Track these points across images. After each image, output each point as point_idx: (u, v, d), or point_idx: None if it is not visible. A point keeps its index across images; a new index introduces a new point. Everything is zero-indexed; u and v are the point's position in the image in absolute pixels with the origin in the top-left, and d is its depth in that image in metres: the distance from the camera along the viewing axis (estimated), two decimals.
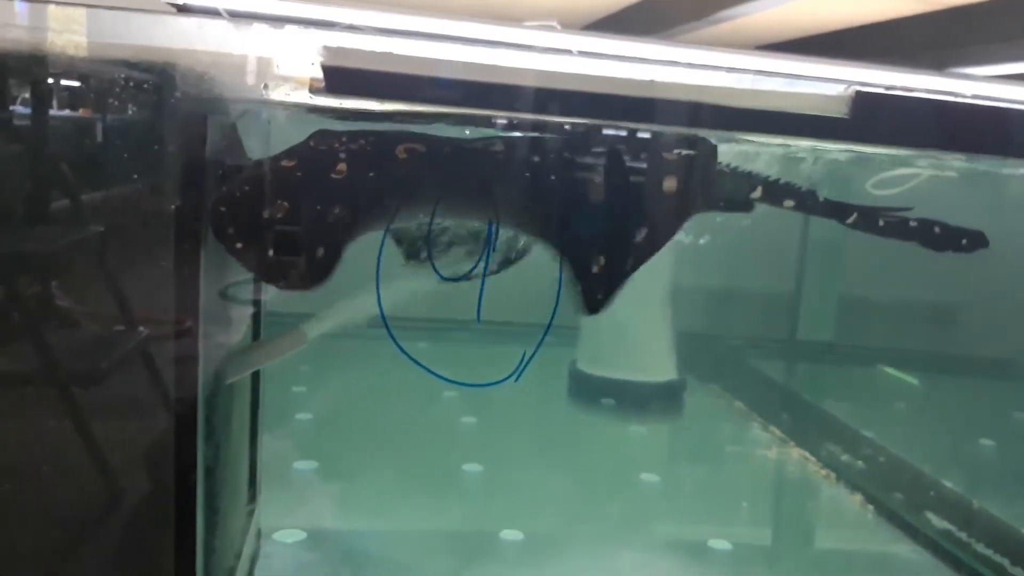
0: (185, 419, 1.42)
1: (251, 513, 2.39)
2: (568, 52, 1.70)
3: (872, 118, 1.56)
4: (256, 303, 2.28)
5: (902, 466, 2.98)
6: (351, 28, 1.52)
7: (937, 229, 1.80)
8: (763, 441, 3.43)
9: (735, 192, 1.77)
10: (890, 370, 4.66)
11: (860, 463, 3.04)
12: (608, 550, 2.54)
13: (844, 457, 3.11)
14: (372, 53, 1.42)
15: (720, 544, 2.56)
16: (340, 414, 3.45)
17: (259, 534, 2.43)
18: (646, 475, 3.08)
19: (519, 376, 1.72)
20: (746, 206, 1.79)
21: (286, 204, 1.46)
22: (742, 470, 3.21)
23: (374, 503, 2.73)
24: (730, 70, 1.85)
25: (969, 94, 3.44)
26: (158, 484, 1.44)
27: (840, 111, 1.56)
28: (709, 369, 4.23)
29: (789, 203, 1.82)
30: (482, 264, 1.61)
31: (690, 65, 1.65)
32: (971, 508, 2.63)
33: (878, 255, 3.22)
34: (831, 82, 1.73)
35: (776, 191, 1.81)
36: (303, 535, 2.49)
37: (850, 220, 1.84)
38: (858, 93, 1.56)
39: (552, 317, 1.69)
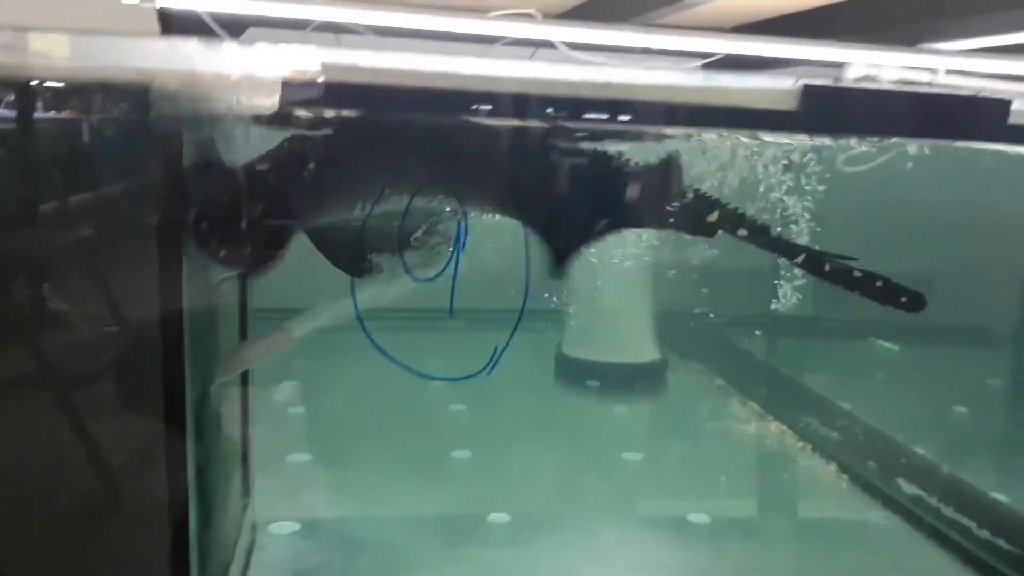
0: (174, 419, 1.50)
1: (246, 507, 2.47)
2: (548, 44, 1.76)
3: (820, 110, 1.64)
4: (243, 302, 2.36)
5: (876, 436, 3.08)
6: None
7: (879, 283, 1.85)
8: (742, 416, 3.53)
9: (695, 214, 1.84)
10: (880, 342, 4.76)
11: (835, 434, 3.14)
12: (591, 528, 2.63)
13: (820, 429, 3.21)
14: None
15: (699, 518, 2.66)
16: (328, 406, 3.53)
17: (254, 527, 2.52)
18: (628, 454, 3.18)
19: (491, 369, 1.80)
20: (706, 230, 1.85)
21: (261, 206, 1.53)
22: (721, 445, 3.31)
23: (366, 492, 2.82)
24: (705, 55, 1.92)
25: (943, 69, 3.52)
26: (151, 483, 1.52)
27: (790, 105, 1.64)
28: (690, 347, 4.32)
29: (742, 232, 1.88)
30: (452, 260, 1.69)
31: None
32: (940, 474, 2.74)
33: (854, 228, 3.32)
34: (806, 63, 1.81)
35: (733, 219, 1.87)
36: (297, 526, 2.58)
37: (797, 260, 1.90)
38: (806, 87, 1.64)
39: (522, 308, 1.77)
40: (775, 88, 1.65)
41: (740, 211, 1.91)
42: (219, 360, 1.99)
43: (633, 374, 3.93)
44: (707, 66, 4.18)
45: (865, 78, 3.76)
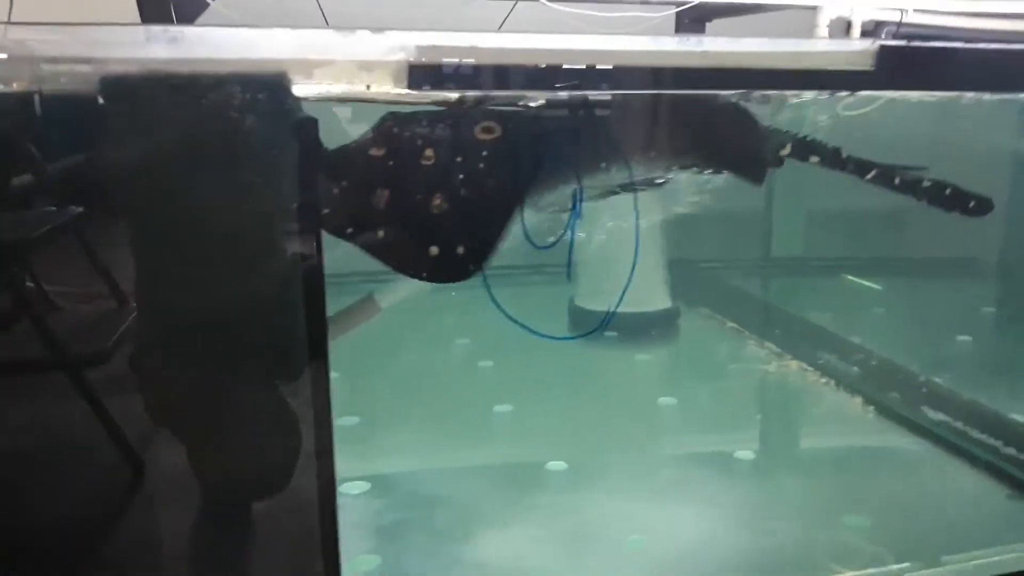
0: (321, 402, 1.59)
1: None
2: None
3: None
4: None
5: (893, 368, 3.27)
6: None
7: (947, 191, 1.99)
8: (761, 357, 3.70)
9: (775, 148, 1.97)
10: (857, 279, 4.98)
11: (855, 369, 3.32)
12: (646, 470, 2.78)
13: (840, 365, 3.39)
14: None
15: (745, 454, 2.83)
16: (363, 369, 3.60)
17: None
18: (664, 398, 3.33)
19: (604, 328, 1.90)
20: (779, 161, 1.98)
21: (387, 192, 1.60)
22: (749, 386, 3.48)
23: (423, 450, 2.92)
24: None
25: (911, 8, 3.64)
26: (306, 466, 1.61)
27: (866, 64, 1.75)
28: (696, 293, 4.47)
29: (815, 159, 2.01)
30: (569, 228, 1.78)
31: None
32: (961, 400, 2.94)
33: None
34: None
35: (804, 148, 2.00)
36: (367, 485, 2.67)
37: (869, 176, 2.03)
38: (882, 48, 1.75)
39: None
40: (850, 50, 1.76)
41: (809, 139, 2.05)
42: None
43: (649, 322, 4.07)
44: (679, 14, 4.26)
45: (836, 20, 3.88)
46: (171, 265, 1.48)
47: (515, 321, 1.98)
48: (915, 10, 3.64)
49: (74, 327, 1.59)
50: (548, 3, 3.29)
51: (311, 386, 1.61)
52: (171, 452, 1.59)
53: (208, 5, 3.16)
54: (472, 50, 1.53)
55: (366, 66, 1.49)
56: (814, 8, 3.43)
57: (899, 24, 3.55)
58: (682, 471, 2.77)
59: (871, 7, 3.51)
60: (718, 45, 1.67)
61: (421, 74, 1.49)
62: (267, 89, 1.44)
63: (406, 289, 2.12)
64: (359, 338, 3.85)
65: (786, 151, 1.98)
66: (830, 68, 1.74)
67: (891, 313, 4.23)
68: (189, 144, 1.43)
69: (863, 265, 5.03)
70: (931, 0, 3.52)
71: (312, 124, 1.48)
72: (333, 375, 3.55)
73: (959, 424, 2.81)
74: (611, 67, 1.60)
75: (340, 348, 3.81)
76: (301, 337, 1.54)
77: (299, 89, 1.46)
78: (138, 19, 2.58)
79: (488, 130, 1.66)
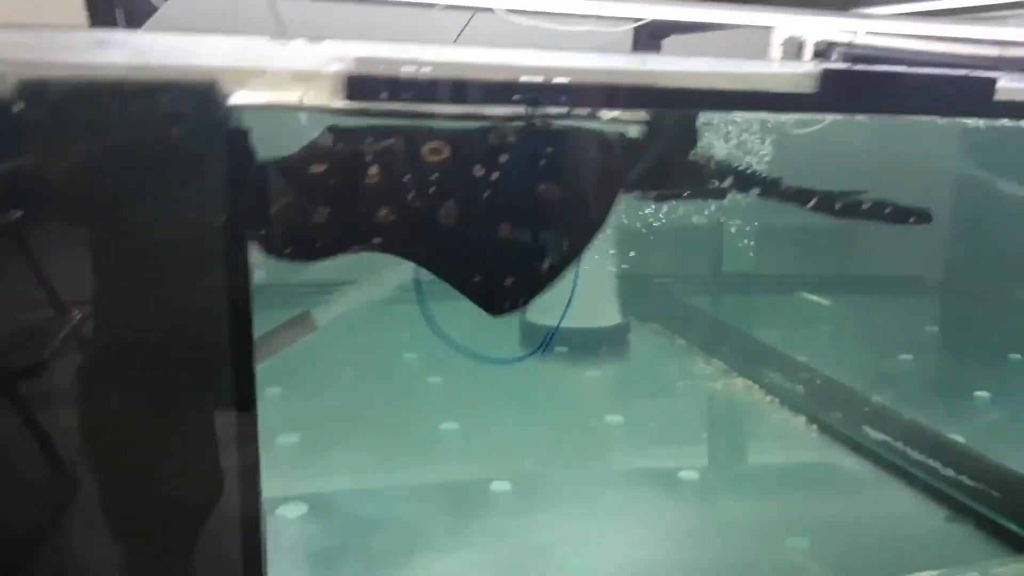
0: (246, 423, 1.52)
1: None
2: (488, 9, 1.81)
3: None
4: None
5: (836, 387, 3.30)
6: None
7: (888, 209, 2.02)
8: (708, 374, 3.71)
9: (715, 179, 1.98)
10: (807, 295, 5.04)
11: (799, 387, 3.34)
12: (590, 490, 2.75)
13: (784, 383, 3.41)
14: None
15: (689, 474, 2.81)
16: (306, 384, 3.52)
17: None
18: (610, 416, 3.30)
19: (545, 349, 1.87)
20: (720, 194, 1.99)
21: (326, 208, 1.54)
22: (695, 403, 3.48)
23: (365, 470, 2.85)
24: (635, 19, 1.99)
25: (862, 31, 3.70)
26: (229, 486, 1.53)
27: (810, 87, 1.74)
28: (647, 309, 4.47)
29: (755, 190, 2.02)
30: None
31: None
32: (902, 419, 2.97)
33: (801, 180, 3.50)
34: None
35: (745, 180, 2.02)
36: (304, 507, 2.60)
37: (810, 204, 2.04)
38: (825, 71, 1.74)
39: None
40: (795, 72, 1.75)
41: (749, 171, 2.04)
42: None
43: (598, 338, 4.06)
44: (638, 29, 4.26)
45: (789, 40, 3.93)
46: (87, 278, 1.40)
47: (453, 344, 1.93)
48: (867, 32, 3.71)
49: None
50: (508, 16, 3.26)
51: (235, 408, 1.54)
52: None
53: (156, 9, 3.08)
54: (414, 62, 1.48)
55: (301, 76, 1.44)
56: (768, 28, 3.46)
57: (849, 45, 3.61)
58: (626, 491, 2.75)
59: (823, 29, 3.57)
60: (664, 64, 1.65)
61: (359, 85, 1.45)
62: (194, 98, 1.38)
63: (344, 305, 2.06)
64: (303, 352, 3.78)
65: (727, 183, 1.98)
66: (774, 90, 1.73)
67: (838, 330, 4.28)
68: (106, 154, 1.36)
69: (812, 282, 5.10)
70: (881, 23, 3.59)
71: (243, 136, 1.42)
72: (274, 390, 3.50)
73: (900, 444, 2.84)
74: (554, 83, 1.57)
75: (282, 362, 3.73)
76: (224, 356, 1.48)
77: (230, 99, 1.41)
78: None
79: (436, 151, 1.62)
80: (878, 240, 4.93)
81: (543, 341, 1.97)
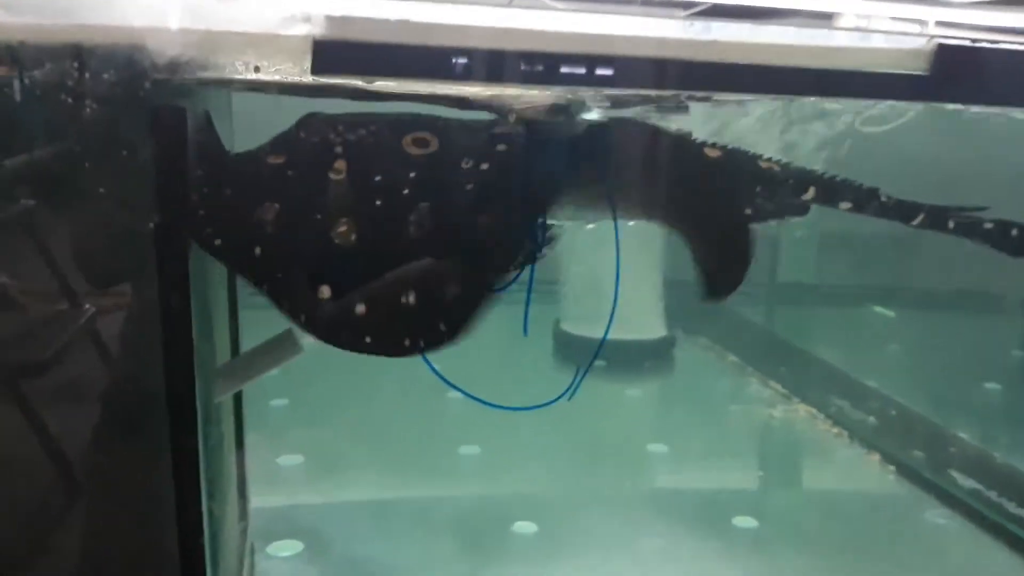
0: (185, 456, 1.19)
1: (244, 531, 2.16)
2: None
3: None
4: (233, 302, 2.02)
5: (915, 419, 2.88)
6: None
7: (1015, 232, 1.59)
8: (765, 398, 3.31)
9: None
10: (875, 308, 4.58)
11: (872, 419, 2.93)
12: (628, 538, 2.38)
13: (853, 413, 3.00)
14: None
15: (745, 522, 2.43)
16: (314, 397, 3.20)
17: (252, 550, 2.21)
18: (653, 445, 2.93)
19: (572, 394, 1.53)
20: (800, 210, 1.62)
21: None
22: (750, 435, 3.08)
23: (371, 501, 2.53)
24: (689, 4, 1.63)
25: (933, 20, 3.22)
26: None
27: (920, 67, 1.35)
28: (694, 320, 4.07)
29: (845, 205, 1.64)
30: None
31: None
32: (995, 463, 2.54)
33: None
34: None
35: (832, 191, 1.63)
36: (300, 545, 2.28)
37: (915, 222, 1.64)
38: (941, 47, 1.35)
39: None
40: (900, 48, 1.37)
41: (839, 180, 1.66)
42: (220, 374, 1.67)
43: (641, 352, 3.68)
44: (693, 16, 3.85)
45: (856, 28, 3.45)
46: None
47: (460, 390, 1.60)
48: (937, 23, 3.26)
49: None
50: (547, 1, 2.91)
51: (172, 448, 1.20)
52: None
53: None
54: (404, 25, 1.13)
55: (253, 41, 1.10)
56: (829, 16, 3.05)
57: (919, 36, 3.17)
58: (671, 539, 2.37)
59: (891, 17, 3.13)
60: (731, 33, 1.28)
61: (329, 53, 1.10)
62: (111, 67, 1.05)
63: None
64: (313, 359, 3.48)
65: (809, 195, 1.59)
66: (873, 69, 1.35)
67: (908, 351, 3.82)
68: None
69: (876, 294, 4.64)
70: (962, 12, 3.14)
71: (176, 115, 1.09)
72: (280, 402, 3.19)
73: (993, 495, 2.42)
74: (585, 55, 1.21)
75: (290, 370, 3.43)
76: (155, 385, 1.15)
77: (160, 69, 1.07)
78: None
79: (421, 142, 1.28)
80: (952, 250, 4.46)
81: (572, 381, 1.61)
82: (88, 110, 1.06)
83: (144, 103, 1.07)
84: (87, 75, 1.05)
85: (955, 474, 2.54)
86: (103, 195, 1.10)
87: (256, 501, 2.20)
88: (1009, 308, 4.05)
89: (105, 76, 1.06)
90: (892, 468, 2.70)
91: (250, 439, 2.17)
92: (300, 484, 2.66)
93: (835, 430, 2.96)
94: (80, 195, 1.09)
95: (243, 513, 2.16)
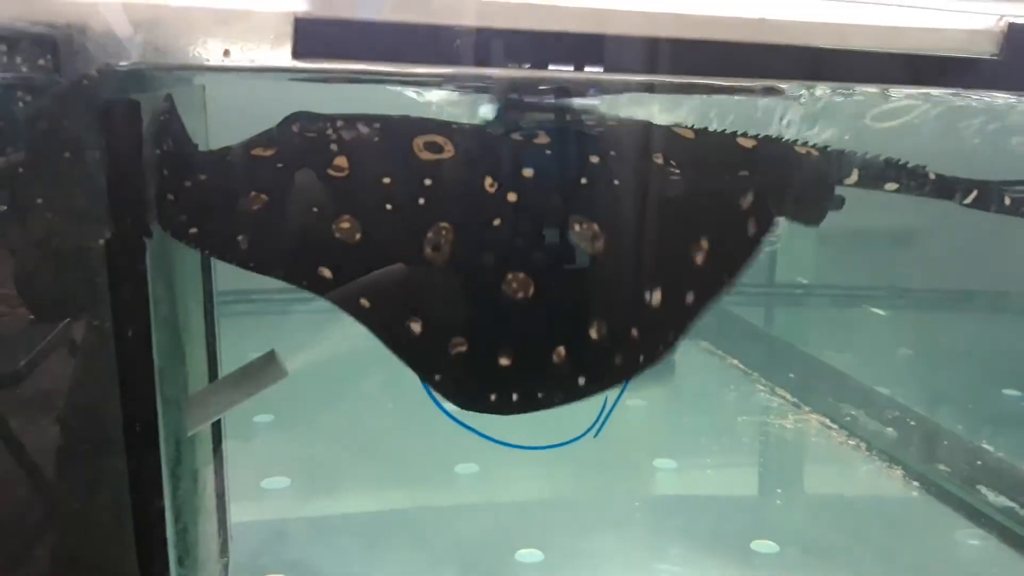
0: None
1: (226, 567, 1.98)
2: None
3: None
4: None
5: (936, 431, 2.73)
6: None
7: None
8: (774, 408, 3.15)
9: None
10: (875, 310, 4.44)
11: (890, 430, 2.78)
12: (642, 562, 2.22)
13: (870, 423, 2.84)
14: None
15: (765, 546, 2.27)
16: (304, 414, 3.02)
17: None
18: (660, 460, 2.77)
19: (599, 431, 1.37)
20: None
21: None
22: (764, 447, 2.91)
23: (363, 529, 2.35)
24: None
25: None
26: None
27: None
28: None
29: (891, 186, 1.48)
30: None
31: None
32: None
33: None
34: None
35: (877, 173, 1.48)
36: None
37: (968, 200, 1.49)
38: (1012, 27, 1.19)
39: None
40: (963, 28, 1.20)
41: (882, 158, 1.51)
42: (193, 404, 1.49)
43: None
44: None
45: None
46: None
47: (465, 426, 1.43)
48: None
49: None
50: None
51: (129, 474, 1.03)
52: None
53: None
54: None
55: (222, 18, 0.92)
56: None
57: None
58: (684, 564, 2.21)
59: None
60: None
61: (312, 34, 0.92)
62: (45, 51, 0.86)
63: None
64: (306, 374, 3.29)
65: (853, 179, 1.44)
66: (933, 52, 1.19)
67: (919, 355, 3.67)
68: None
69: (881, 295, 4.50)
70: None
71: (129, 109, 0.91)
72: (264, 418, 2.99)
73: None
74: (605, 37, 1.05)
75: (280, 385, 3.22)
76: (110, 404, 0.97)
77: (107, 54, 0.89)
78: None
79: (434, 146, 1.11)
80: (958, 247, 4.32)
81: (598, 416, 1.45)
82: (20, 104, 0.87)
83: (89, 95, 0.89)
84: (16, 61, 0.87)
85: (985, 490, 2.39)
86: (41, 206, 0.92)
87: (238, 531, 2.02)
88: (1018, 309, 3.92)
89: (41, 63, 0.88)
90: (916, 484, 2.54)
91: (231, 461, 1.99)
92: (287, 510, 2.47)
93: (851, 441, 2.80)
94: (13, 208, 0.91)
95: (224, 548, 1.98)
